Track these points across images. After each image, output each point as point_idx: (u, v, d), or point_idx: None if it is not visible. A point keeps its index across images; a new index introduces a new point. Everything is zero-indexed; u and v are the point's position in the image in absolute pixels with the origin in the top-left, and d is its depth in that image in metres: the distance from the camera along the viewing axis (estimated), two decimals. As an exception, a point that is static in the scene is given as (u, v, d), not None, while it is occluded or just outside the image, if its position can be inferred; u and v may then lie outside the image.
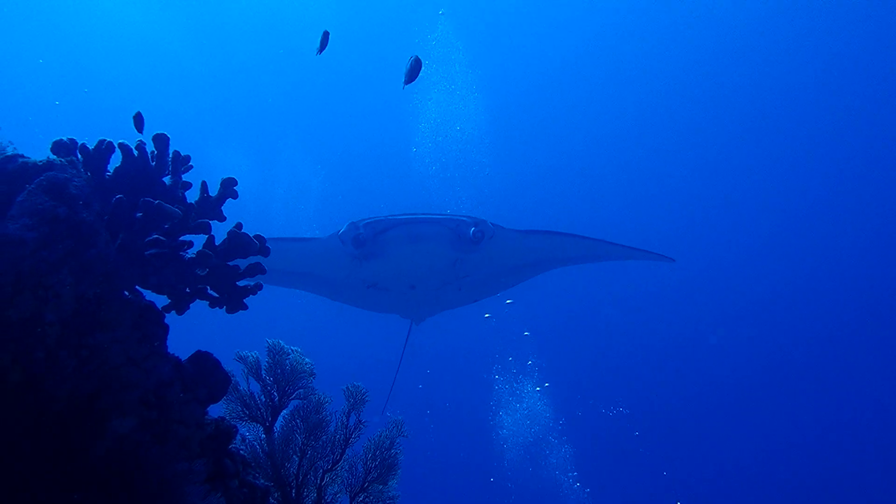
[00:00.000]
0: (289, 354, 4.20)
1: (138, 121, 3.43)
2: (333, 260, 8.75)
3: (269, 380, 4.14)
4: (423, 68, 5.54)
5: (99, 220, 3.05)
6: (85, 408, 2.82)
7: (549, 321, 32.84)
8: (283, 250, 8.53)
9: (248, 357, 4.18)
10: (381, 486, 4.25)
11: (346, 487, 4.21)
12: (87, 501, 2.77)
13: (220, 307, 3.58)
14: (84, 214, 2.97)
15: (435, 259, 8.40)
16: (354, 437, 4.22)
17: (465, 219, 8.14)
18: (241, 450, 3.94)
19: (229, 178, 3.53)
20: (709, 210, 35.65)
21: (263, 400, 4.10)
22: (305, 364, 4.21)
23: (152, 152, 3.37)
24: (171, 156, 3.40)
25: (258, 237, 3.50)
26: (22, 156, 3.05)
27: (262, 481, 3.82)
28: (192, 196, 3.53)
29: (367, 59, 30.83)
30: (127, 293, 3.25)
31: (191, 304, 3.53)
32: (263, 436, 4.07)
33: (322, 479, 4.14)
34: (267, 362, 4.17)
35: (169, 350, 3.37)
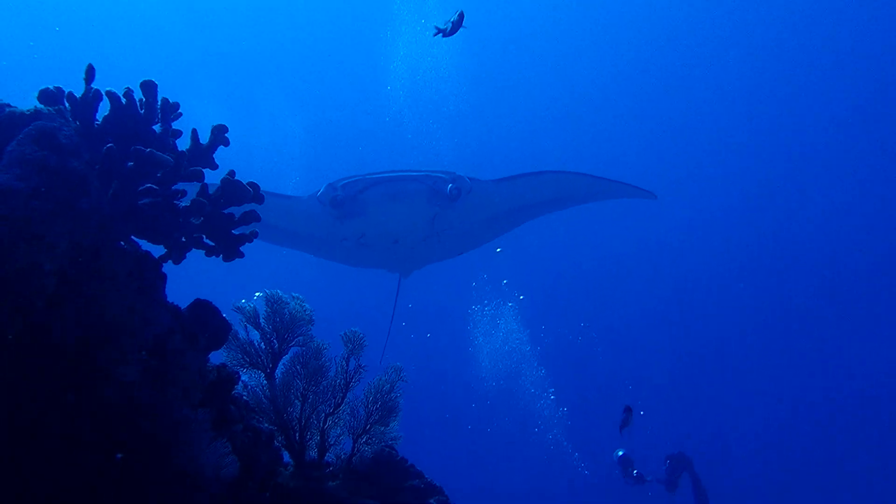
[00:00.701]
0: (288, 303, 4.22)
1: (89, 73, 3.29)
2: (314, 219, 8.77)
3: (268, 328, 4.16)
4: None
5: (90, 170, 3.02)
6: (88, 356, 2.84)
7: (529, 266, 32.97)
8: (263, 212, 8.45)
9: (245, 307, 4.20)
10: (382, 428, 4.32)
11: (349, 430, 4.28)
12: (95, 449, 2.81)
13: (217, 255, 3.58)
14: (75, 164, 2.94)
15: (414, 215, 8.44)
16: (355, 382, 4.27)
17: (441, 175, 8.15)
18: (244, 396, 3.98)
19: (220, 124, 3.49)
20: (697, 150, 35.47)
21: (263, 347, 4.13)
22: (305, 312, 4.23)
23: (140, 100, 3.32)
24: (159, 103, 3.35)
25: (252, 184, 3.48)
26: (8, 105, 3.00)
27: (265, 425, 3.88)
28: (183, 144, 3.50)
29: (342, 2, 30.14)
30: (123, 243, 3.24)
31: (187, 254, 3.52)
32: (265, 382, 4.11)
33: (325, 423, 4.20)
34: (265, 311, 4.19)
35: (167, 300, 3.39)
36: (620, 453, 14.72)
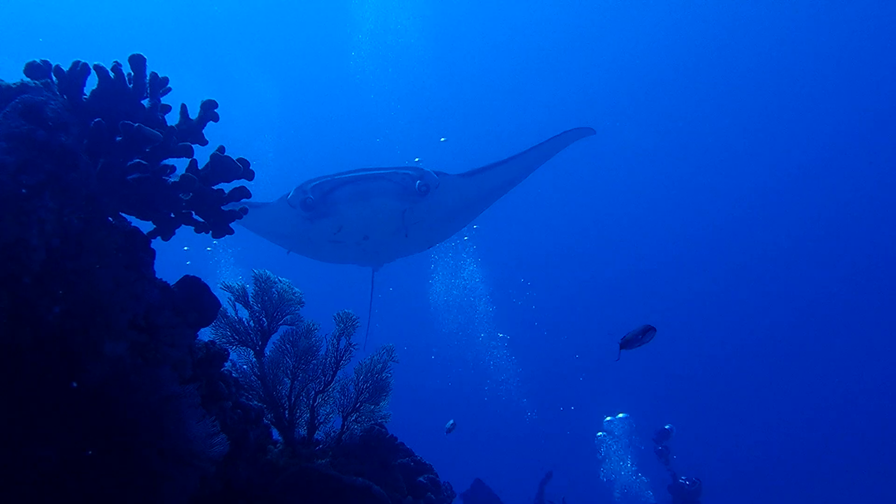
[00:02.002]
0: (276, 283, 4.22)
1: None
2: (285, 222, 8.88)
3: (257, 307, 4.16)
4: None
5: (78, 144, 2.99)
6: (76, 332, 2.82)
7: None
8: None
9: (233, 286, 4.19)
10: (372, 407, 4.34)
11: (339, 408, 4.30)
12: (86, 423, 2.80)
13: (206, 232, 3.55)
14: (63, 138, 2.90)
15: (383, 212, 8.54)
16: (345, 360, 4.27)
17: (409, 171, 8.24)
18: (233, 373, 3.98)
19: (210, 100, 3.45)
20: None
21: (253, 325, 4.12)
22: (294, 293, 4.23)
23: (129, 74, 3.28)
24: (148, 78, 3.31)
25: (241, 160, 3.45)
26: (-5, 78, 2.96)
27: (255, 403, 3.88)
28: (173, 120, 3.46)
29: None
30: (111, 218, 3.22)
31: (176, 230, 3.50)
32: (254, 360, 4.12)
33: (314, 400, 4.21)
34: (254, 290, 4.18)
35: (156, 276, 3.37)
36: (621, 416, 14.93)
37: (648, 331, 4.87)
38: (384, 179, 8.04)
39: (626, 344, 4.93)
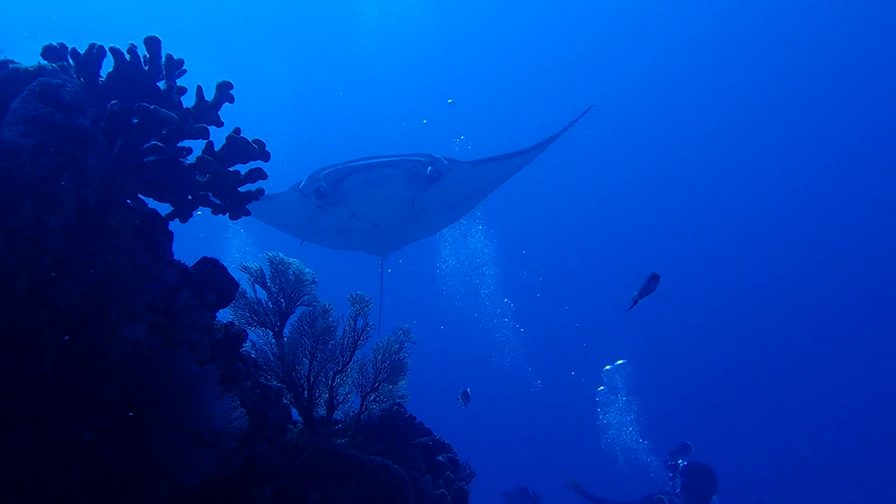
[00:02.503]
0: (290, 265, 4.24)
1: None
2: (297, 211, 8.96)
3: (275, 288, 4.18)
4: None
5: (95, 127, 3.00)
6: (95, 313, 2.85)
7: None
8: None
9: (251, 267, 4.21)
10: (390, 387, 4.36)
11: (357, 388, 4.32)
12: (106, 404, 2.84)
13: (223, 213, 3.57)
14: (80, 120, 2.92)
15: (394, 199, 8.64)
16: (362, 340, 4.29)
17: (420, 158, 8.30)
18: (252, 354, 4.01)
19: (225, 81, 3.45)
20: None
21: (271, 306, 4.15)
22: (307, 273, 4.25)
23: (144, 56, 3.28)
24: (163, 59, 3.31)
25: (257, 141, 3.45)
26: (12, 61, 2.97)
27: (274, 383, 3.91)
28: (189, 101, 3.47)
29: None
30: (129, 200, 3.24)
31: (194, 212, 3.52)
32: (273, 340, 4.14)
33: (333, 381, 4.23)
34: (270, 272, 4.20)
35: (174, 258, 3.40)
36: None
37: (654, 278, 5.01)
38: (395, 167, 8.12)
39: (639, 295, 5.04)
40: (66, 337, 2.81)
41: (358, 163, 8.05)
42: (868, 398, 36.26)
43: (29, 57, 3.10)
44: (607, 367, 19.47)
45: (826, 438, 35.99)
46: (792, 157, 34.98)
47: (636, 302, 5.08)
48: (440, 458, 4.75)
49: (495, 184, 10.31)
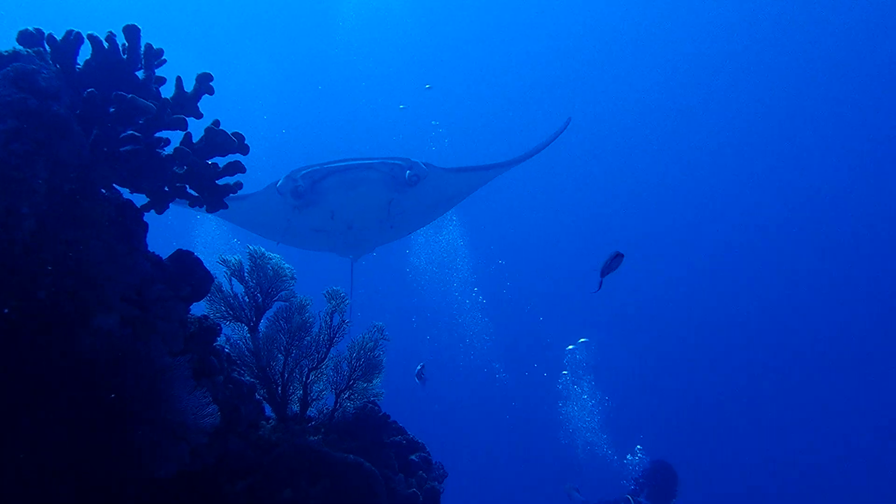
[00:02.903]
0: (270, 259, 4.21)
1: None
2: (272, 211, 8.93)
3: (252, 282, 4.15)
4: None
5: (70, 114, 2.96)
6: (67, 303, 2.81)
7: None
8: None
9: (230, 260, 4.18)
10: (365, 384, 4.34)
11: (332, 385, 4.30)
12: (77, 394, 2.80)
13: (200, 206, 3.54)
14: (55, 107, 2.88)
15: (371, 201, 8.67)
16: (338, 337, 4.27)
17: (399, 162, 8.36)
18: (227, 348, 3.98)
19: (205, 73, 3.42)
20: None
21: (247, 301, 4.12)
22: (286, 269, 4.23)
23: (123, 45, 3.24)
24: (143, 49, 3.28)
25: (236, 134, 3.43)
26: (-14, 45, 2.93)
27: (248, 378, 3.88)
28: (168, 92, 3.43)
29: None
30: (104, 190, 3.20)
31: (170, 204, 3.48)
32: (248, 335, 4.11)
33: (307, 377, 4.21)
34: (249, 266, 4.18)
35: (148, 249, 3.36)
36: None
37: (617, 257, 5.06)
38: (373, 169, 8.17)
39: (604, 272, 5.09)
40: (37, 326, 2.77)
41: (336, 164, 8.07)
42: (856, 392, 36.39)
43: (4, 42, 3.05)
44: (570, 346, 19.40)
45: (808, 433, 35.90)
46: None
47: (601, 281, 5.12)
48: (413, 457, 4.75)
49: (470, 191, 10.46)
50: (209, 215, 9.81)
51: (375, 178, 8.22)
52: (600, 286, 5.30)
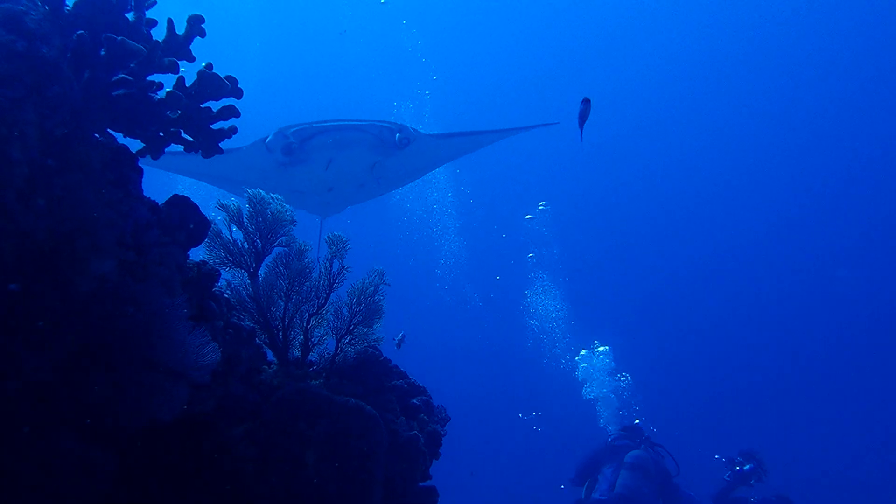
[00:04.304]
0: (269, 203, 4.20)
1: None
2: (257, 168, 8.90)
3: (251, 228, 4.15)
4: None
5: (61, 57, 2.93)
6: (62, 249, 2.82)
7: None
8: (202, 161, 8.75)
9: (229, 205, 4.17)
10: (366, 329, 4.38)
11: (333, 330, 4.33)
12: (75, 337, 2.83)
13: (195, 151, 3.52)
14: (45, 49, 2.84)
15: (357, 163, 8.72)
16: (338, 283, 4.29)
17: (388, 125, 8.40)
18: (226, 294, 4.00)
19: (196, 14, 3.36)
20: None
21: (246, 247, 4.12)
22: (286, 212, 4.22)
23: (113, -14, 3.18)
24: (133, -10, 3.22)
25: (229, 78, 3.38)
26: (-28, -13, 2.88)
27: (248, 323, 3.91)
28: (159, 35, 3.38)
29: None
30: (98, 135, 3.18)
31: (165, 149, 3.46)
32: (248, 281, 4.13)
33: (308, 322, 4.25)
34: (248, 210, 4.17)
35: (144, 194, 3.35)
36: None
37: (585, 102, 5.02)
38: (363, 130, 8.20)
39: (581, 123, 5.06)
40: (33, 270, 2.79)
41: (326, 123, 8.10)
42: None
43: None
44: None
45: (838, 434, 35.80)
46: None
47: (582, 133, 5.07)
48: (414, 400, 4.81)
49: (452, 158, 10.53)
50: (186, 178, 9.89)
51: (363, 140, 8.29)
52: (582, 137, 5.24)
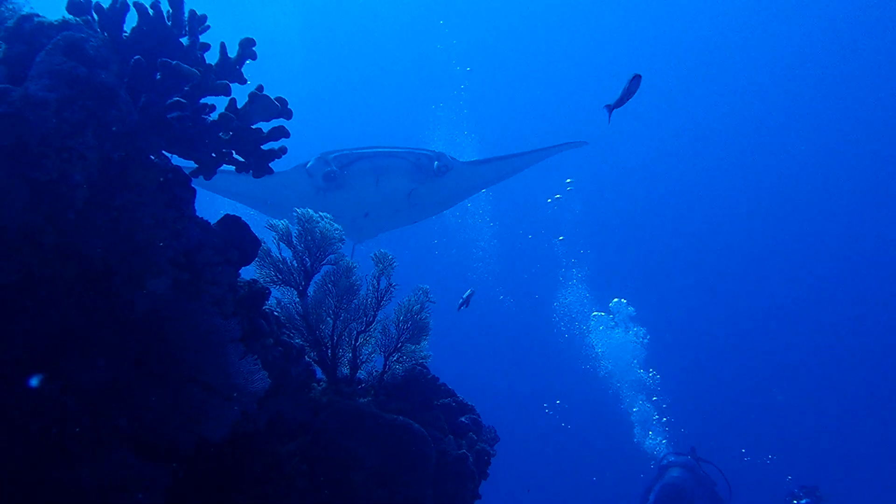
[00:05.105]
0: (318, 222, 4.24)
1: None
2: (296, 191, 8.99)
3: (300, 246, 4.20)
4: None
5: (118, 82, 3.01)
6: (119, 268, 2.89)
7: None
8: (244, 183, 9.00)
9: (278, 225, 4.24)
10: (413, 347, 4.38)
11: (381, 348, 4.35)
12: (130, 355, 2.89)
13: (247, 171, 3.58)
14: (103, 75, 2.93)
15: (395, 190, 8.79)
16: (386, 300, 4.31)
17: (427, 152, 8.50)
18: (276, 312, 4.05)
19: (248, 38, 3.42)
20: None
21: (296, 265, 4.17)
22: (335, 230, 4.26)
23: (168, 12, 3.27)
24: (186, 15, 3.30)
25: (280, 99, 3.43)
26: (38, 15, 2.98)
27: (297, 341, 3.95)
28: (212, 58, 3.46)
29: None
30: (153, 157, 3.26)
31: (217, 169, 3.53)
32: (297, 299, 4.17)
33: (356, 340, 4.27)
34: (297, 230, 4.22)
35: (196, 214, 3.42)
36: None
37: (634, 78, 4.55)
38: (401, 158, 8.32)
39: (620, 101, 4.65)
40: (92, 289, 2.86)
41: (365, 150, 8.25)
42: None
43: (54, 12, 3.10)
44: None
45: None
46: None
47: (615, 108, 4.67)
48: (463, 419, 4.78)
49: (485, 185, 10.61)
50: (225, 199, 10.10)
51: (402, 167, 8.38)
52: (610, 117, 4.87)
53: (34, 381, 2.62)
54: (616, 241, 37.10)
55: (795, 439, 32.27)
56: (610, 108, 4.80)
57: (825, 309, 36.50)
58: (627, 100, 4.62)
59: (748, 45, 32.81)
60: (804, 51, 31.96)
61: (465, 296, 7.96)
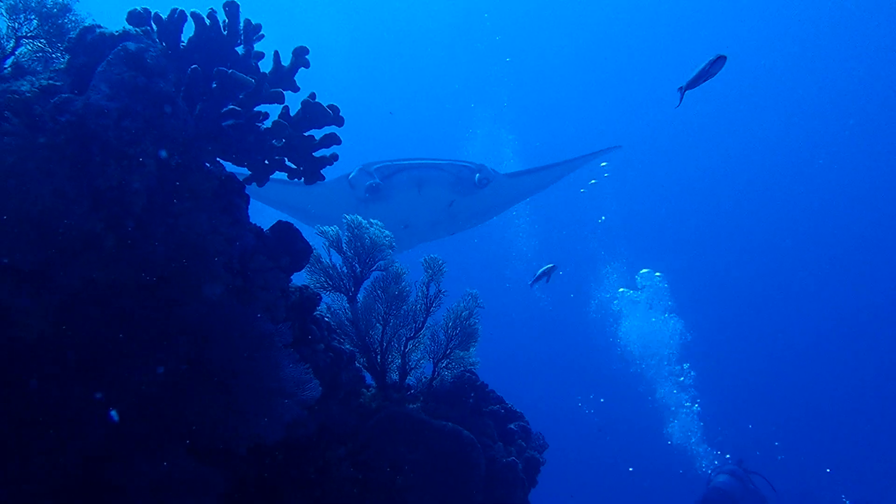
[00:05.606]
0: (368, 228, 4.27)
1: None
2: (337, 202, 9.00)
3: (350, 253, 4.23)
4: None
5: (176, 90, 3.07)
6: (177, 272, 2.94)
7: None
8: (287, 193, 9.15)
9: (328, 231, 4.27)
10: (462, 353, 4.36)
11: (430, 354, 4.34)
12: (185, 358, 2.93)
13: (299, 178, 3.61)
14: (162, 84, 2.99)
15: (436, 201, 8.78)
16: (435, 307, 4.30)
17: (468, 164, 8.47)
18: (326, 317, 4.07)
19: (301, 46, 3.46)
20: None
21: (346, 271, 4.20)
22: (385, 237, 4.27)
23: (223, 21, 3.33)
24: (241, 25, 3.35)
25: (332, 107, 3.46)
26: (99, 26, 3.06)
27: (347, 347, 3.97)
28: (266, 66, 3.50)
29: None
30: (208, 164, 3.31)
31: (270, 176, 3.57)
32: (347, 305, 4.20)
33: (405, 346, 4.27)
34: (347, 236, 4.25)
35: (250, 221, 3.46)
36: None
37: (718, 59, 4.31)
38: (442, 170, 8.31)
39: (696, 80, 4.45)
40: (150, 293, 2.91)
41: (406, 161, 8.26)
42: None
43: (115, 22, 3.18)
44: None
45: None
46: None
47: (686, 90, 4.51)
48: (512, 426, 4.75)
49: (523, 197, 10.62)
50: (268, 207, 10.24)
51: (443, 179, 8.37)
52: (682, 93, 4.70)
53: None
54: (652, 236, 36.41)
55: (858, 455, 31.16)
56: (682, 90, 4.67)
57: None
58: (704, 81, 4.45)
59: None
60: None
61: (543, 269, 7.83)
